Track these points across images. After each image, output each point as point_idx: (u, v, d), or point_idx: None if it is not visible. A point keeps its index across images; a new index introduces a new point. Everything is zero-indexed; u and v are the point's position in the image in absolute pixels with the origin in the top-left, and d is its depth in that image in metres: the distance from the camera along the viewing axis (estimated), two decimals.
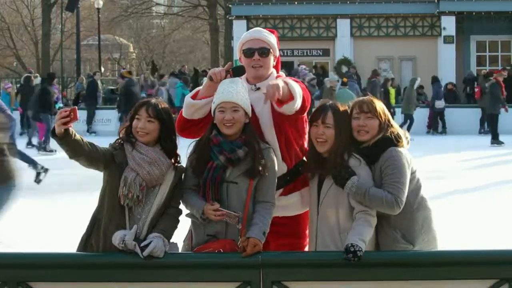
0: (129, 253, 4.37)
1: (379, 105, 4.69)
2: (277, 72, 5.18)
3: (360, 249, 4.25)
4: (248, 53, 4.98)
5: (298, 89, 4.70)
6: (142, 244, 4.36)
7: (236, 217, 4.45)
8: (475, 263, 4.39)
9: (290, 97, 4.64)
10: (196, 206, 4.54)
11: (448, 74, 29.50)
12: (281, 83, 4.55)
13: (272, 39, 5.06)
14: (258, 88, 4.94)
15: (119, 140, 4.67)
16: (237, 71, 4.81)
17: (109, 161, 4.57)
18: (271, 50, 5.01)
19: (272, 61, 5.05)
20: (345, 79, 22.51)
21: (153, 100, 4.70)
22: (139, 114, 4.63)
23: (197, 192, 4.60)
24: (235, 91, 4.61)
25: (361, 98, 4.77)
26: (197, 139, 4.71)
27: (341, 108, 4.71)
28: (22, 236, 9.72)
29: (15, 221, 10.83)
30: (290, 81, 4.73)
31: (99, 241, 4.52)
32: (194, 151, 4.64)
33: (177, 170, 4.65)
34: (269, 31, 5.17)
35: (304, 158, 4.92)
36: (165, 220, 4.57)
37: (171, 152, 4.66)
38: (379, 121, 4.64)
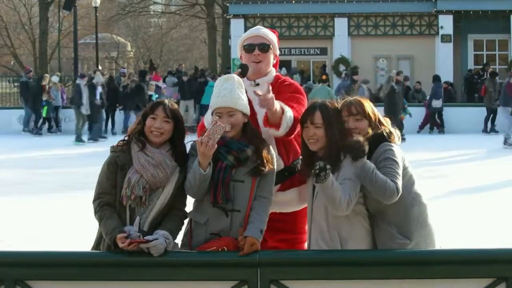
0: (128, 252, 4.37)
1: (368, 106, 4.69)
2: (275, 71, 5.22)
3: (328, 174, 4.26)
4: (249, 48, 5.04)
5: (288, 119, 4.71)
6: (146, 238, 4.36)
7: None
8: (473, 261, 4.39)
9: (277, 125, 4.69)
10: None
11: (445, 73, 29.49)
12: (278, 106, 4.61)
13: (272, 36, 5.14)
14: (258, 84, 4.97)
15: (125, 140, 4.63)
16: (242, 71, 4.84)
17: (116, 173, 4.55)
18: (271, 46, 5.06)
19: (271, 58, 5.09)
20: (324, 77, 22.99)
21: (166, 100, 4.70)
22: (155, 113, 4.58)
23: None
24: (229, 94, 4.58)
25: (348, 99, 4.74)
26: (196, 139, 4.70)
27: (330, 106, 4.70)
28: (23, 235, 9.72)
29: (16, 219, 10.86)
30: (287, 110, 4.72)
31: (105, 247, 4.53)
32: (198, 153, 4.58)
33: (182, 171, 4.61)
34: (270, 30, 5.23)
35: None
36: (172, 222, 4.56)
37: (180, 153, 4.64)
38: (368, 122, 4.64)
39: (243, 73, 4.90)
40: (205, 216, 4.57)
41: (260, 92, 4.56)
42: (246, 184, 4.56)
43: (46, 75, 28.63)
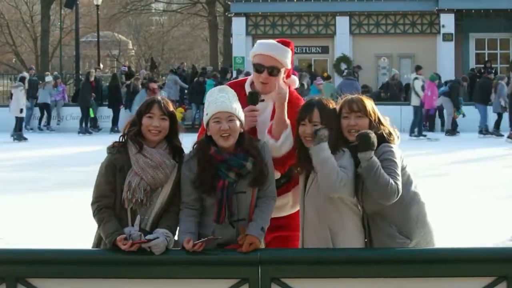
0: (129, 250, 4.37)
1: (369, 104, 4.69)
2: (289, 77, 5.11)
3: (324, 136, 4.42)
4: (258, 69, 4.93)
5: (288, 134, 4.80)
6: (147, 237, 4.35)
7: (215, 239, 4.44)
8: (473, 260, 4.39)
9: (277, 137, 4.79)
10: (181, 235, 4.49)
11: (447, 72, 29.48)
12: (286, 117, 4.77)
13: (285, 56, 4.99)
14: (263, 100, 4.94)
15: (121, 140, 4.59)
16: (252, 99, 4.86)
17: (115, 175, 4.52)
18: (281, 69, 4.95)
19: (281, 78, 4.98)
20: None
21: (159, 97, 4.66)
22: (151, 112, 4.53)
23: (195, 213, 4.53)
24: (228, 100, 4.51)
25: (350, 96, 4.73)
26: (192, 152, 4.59)
27: (327, 104, 4.69)
28: (23, 233, 9.72)
29: (16, 217, 10.87)
30: (289, 125, 4.83)
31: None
32: (196, 168, 4.50)
33: (180, 168, 4.57)
34: (285, 42, 5.06)
35: None
36: (170, 218, 4.54)
37: (176, 149, 4.61)
38: (369, 120, 4.64)
39: (253, 102, 4.86)
40: (211, 229, 4.52)
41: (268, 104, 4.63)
42: (248, 193, 4.54)
43: (93, 70, 28.18)
